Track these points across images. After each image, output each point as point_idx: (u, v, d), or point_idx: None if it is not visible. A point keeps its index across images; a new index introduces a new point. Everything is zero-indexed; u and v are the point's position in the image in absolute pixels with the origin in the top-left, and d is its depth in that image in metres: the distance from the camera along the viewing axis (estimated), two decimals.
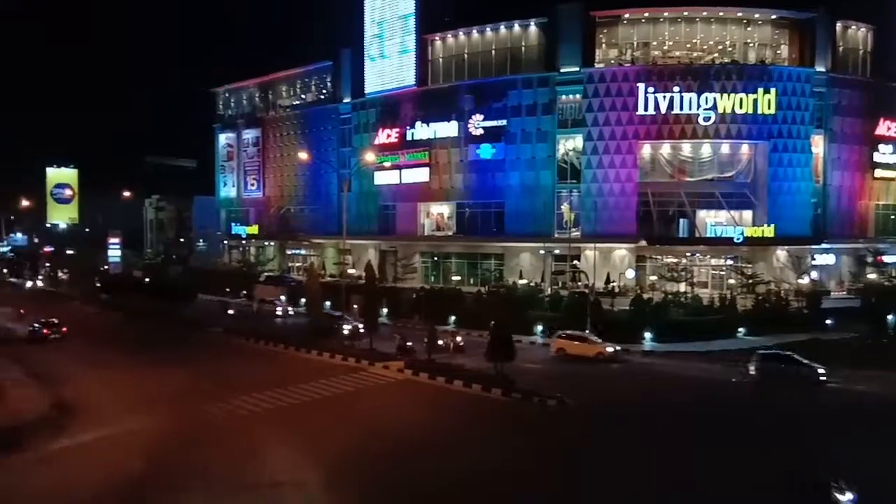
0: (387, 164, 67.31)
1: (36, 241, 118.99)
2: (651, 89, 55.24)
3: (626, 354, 37.27)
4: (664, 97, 55.03)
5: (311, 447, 21.32)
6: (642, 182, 56.59)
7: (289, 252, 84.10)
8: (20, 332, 42.44)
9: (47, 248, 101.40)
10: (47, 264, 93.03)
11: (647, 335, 39.59)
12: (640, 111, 55.48)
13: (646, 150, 57.43)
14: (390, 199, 70.40)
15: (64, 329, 41.67)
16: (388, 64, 69.05)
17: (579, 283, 54.05)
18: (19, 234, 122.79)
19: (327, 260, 76.14)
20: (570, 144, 59.32)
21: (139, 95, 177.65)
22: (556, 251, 58.33)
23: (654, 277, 55.96)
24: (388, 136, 68.63)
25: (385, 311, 47.52)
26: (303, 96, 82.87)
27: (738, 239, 52.65)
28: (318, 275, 46.60)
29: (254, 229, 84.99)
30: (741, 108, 54.92)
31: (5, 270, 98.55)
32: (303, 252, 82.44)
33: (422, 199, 68.05)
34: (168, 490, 17.90)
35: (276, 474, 18.89)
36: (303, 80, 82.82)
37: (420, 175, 66.39)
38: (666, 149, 57.32)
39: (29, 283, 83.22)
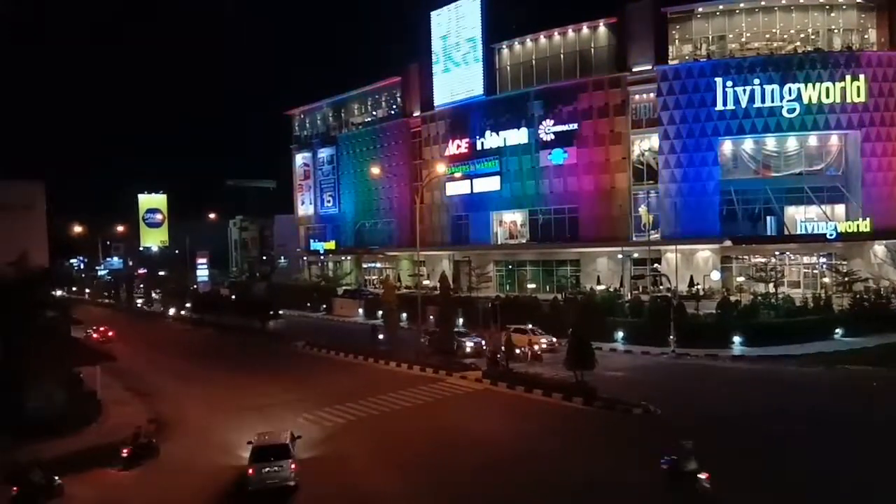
0: (458, 175, 67.57)
1: (130, 263, 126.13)
2: (730, 83, 53.09)
3: (713, 360, 35.70)
4: (744, 90, 52.77)
5: (401, 457, 21.41)
6: (724, 180, 54.35)
7: (364, 266, 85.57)
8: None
9: (141, 270, 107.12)
10: (141, 285, 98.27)
11: (736, 339, 37.80)
12: (719, 106, 53.38)
13: (727, 146, 55.17)
14: (462, 209, 70.60)
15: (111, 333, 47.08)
16: (456, 75, 69.51)
17: (661, 287, 52.34)
18: (115, 258, 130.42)
19: (402, 272, 77.03)
20: (645, 145, 57.81)
21: (219, 121, 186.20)
22: (635, 255, 56.78)
23: (741, 279, 53.50)
24: (458, 146, 68.96)
25: (461, 321, 47.47)
26: (374, 113, 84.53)
27: (831, 235, 49.62)
28: (394, 287, 47.04)
29: (331, 245, 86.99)
30: (828, 97, 51.98)
31: (104, 293, 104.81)
32: (378, 265, 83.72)
33: (494, 207, 67.90)
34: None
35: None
36: (373, 97, 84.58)
37: (491, 184, 66.28)
38: (748, 144, 54.85)
39: (139, 301, 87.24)
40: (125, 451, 21.50)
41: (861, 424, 23.15)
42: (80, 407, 26.99)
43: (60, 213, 74.84)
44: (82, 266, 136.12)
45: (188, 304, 69.82)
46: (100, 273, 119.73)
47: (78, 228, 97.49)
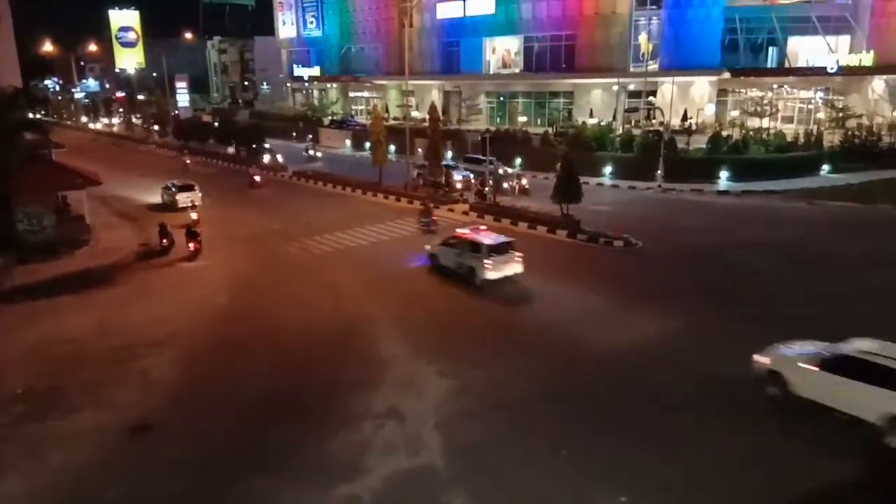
0: None
1: (107, 86, 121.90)
2: None
3: (698, 195, 36.30)
4: None
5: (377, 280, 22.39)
6: (730, 6, 51.65)
7: (351, 94, 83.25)
8: None
9: (119, 94, 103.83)
10: (121, 109, 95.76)
11: (723, 174, 38.15)
12: None
13: None
14: (454, 34, 67.37)
15: None
16: None
17: (654, 121, 51.74)
18: (92, 80, 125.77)
19: (390, 102, 75.19)
20: None
21: None
22: (631, 87, 55.41)
23: (735, 113, 52.80)
24: None
25: (449, 153, 47.23)
26: None
27: (832, 69, 48.27)
28: (383, 118, 46.06)
29: (315, 71, 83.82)
30: None
31: (84, 117, 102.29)
32: (365, 94, 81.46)
33: (487, 33, 64.85)
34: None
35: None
36: None
37: (485, 5, 62.76)
38: None
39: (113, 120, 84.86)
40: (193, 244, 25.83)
41: (827, 256, 24.18)
42: (69, 231, 27.42)
43: (28, 28, 70.67)
44: (57, 88, 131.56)
45: (170, 131, 68.60)
46: (76, 96, 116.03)
47: (49, 46, 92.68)
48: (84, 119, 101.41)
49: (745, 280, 21.87)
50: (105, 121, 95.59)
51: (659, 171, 37.96)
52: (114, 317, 19.40)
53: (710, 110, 53.07)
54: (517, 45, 64.20)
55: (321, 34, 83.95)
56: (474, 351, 16.64)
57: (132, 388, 15.09)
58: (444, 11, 66.62)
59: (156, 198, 36.92)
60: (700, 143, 43.47)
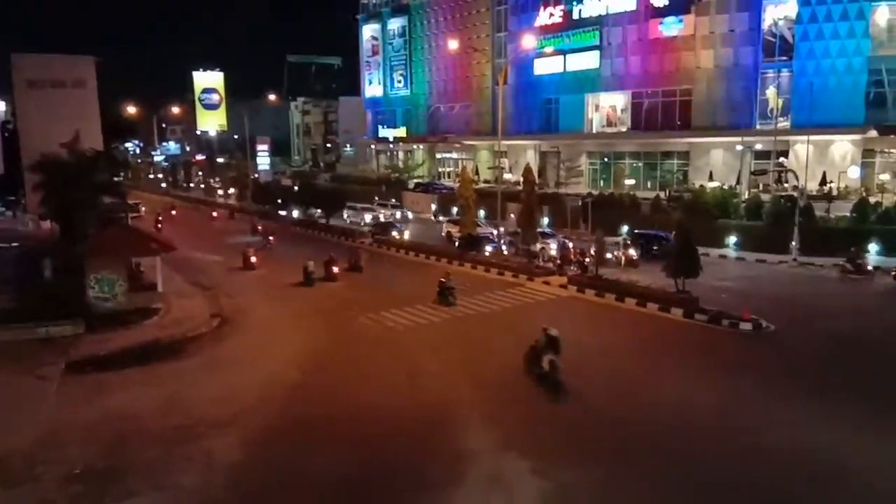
0: (548, 50, 65.37)
1: (188, 149, 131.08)
2: None
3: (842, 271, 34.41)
4: None
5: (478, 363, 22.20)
6: (875, 56, 50.27)
7: (438, 156, 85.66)
8: None
9: (199, 156, 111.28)
10: (200, 172, 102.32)
11: (873, 247, 36.14)
12: None
13: (881, 13, 50.67)
14: (553, 91, 68.71)
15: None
16: None
17: (786, 186, 50.12)
18: (172, 143, 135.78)
19: (481, 164, 76.73)
20: (779, 12, 53.70)
21: None
22: (758, 146, 54.27)
23: (885, 176, 50.44)
24: (551, 14, 66.29)
25: (546, 219, 47.28)
26: None
27: None
28: (472, 180, 46.95)
29: (401, 132, 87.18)
30: None
31: (162, 182, 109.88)
32: (454, 156, 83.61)
33: (590, 89, 65.73)
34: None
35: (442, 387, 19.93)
36: None
37: (588, 61, 63.88)
38: None
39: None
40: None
41: None
42: (140, 299, 28.97)
43: (112, 91, 77.73)
44: (138, 150, 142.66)
45: (249, 195, 72.40)
46: (156, 158, 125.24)
47: (131, 109, 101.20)
48: (163, 184, 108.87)
49: None
50: (183, 184, 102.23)
51: (793, 243, 36.48)
52: (183, 391, 20.09)
53: (854, 173, 50.95)
54: (623, 102, 64.56)
55: (408, 93, 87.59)
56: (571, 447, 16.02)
57: (195, 471, 15.38)
58: (543, 68, 68.16)
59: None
60: (842, 210, 41.67)
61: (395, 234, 46.85)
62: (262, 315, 29.12)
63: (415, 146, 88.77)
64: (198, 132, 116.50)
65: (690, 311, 26.83)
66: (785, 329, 25.00)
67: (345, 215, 55.56)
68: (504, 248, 40.09)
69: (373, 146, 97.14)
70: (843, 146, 52.54)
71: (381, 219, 53.92)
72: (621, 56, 62.32)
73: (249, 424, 17.83)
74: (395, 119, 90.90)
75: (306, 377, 21.41)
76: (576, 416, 17.97)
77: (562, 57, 66.11)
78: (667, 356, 22.59)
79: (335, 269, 35.04)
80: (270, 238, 45.92)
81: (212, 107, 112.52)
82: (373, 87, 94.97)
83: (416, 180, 76.84)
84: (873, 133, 50.44)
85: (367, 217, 55.09)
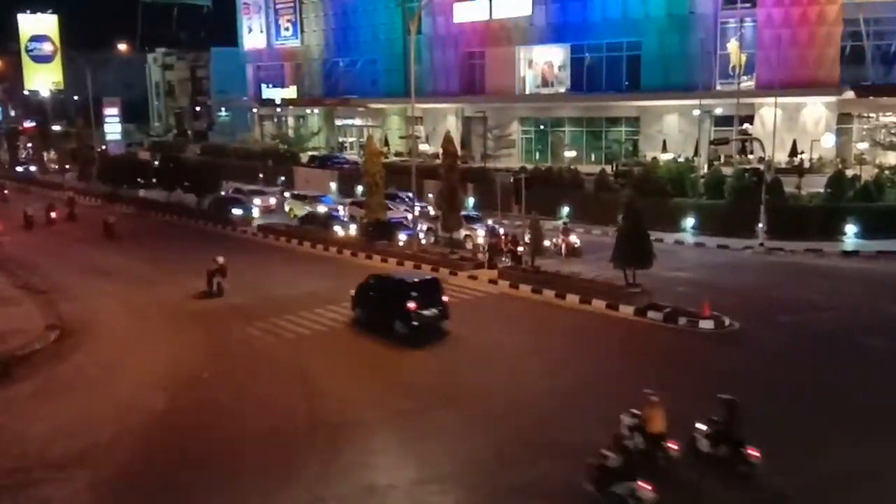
0: None
1: (13, 114, 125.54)
2: None
3: (816, 257, 36.15)
4: None
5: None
6: (851, 3, 52.73)
7: (339, 123, 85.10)
8: None
9: (28, 124, 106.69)
10: (29, 144, 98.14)
11: (849, 228, 38.06)
12: None
13: None
14: (477, 43, 69.18)
15: None
16: None
17: (751, 157, 52.13)
18: None
19: (391, 133, 76.69)
20: None
21: None
22: (718, 111, 56.24)
23: (863, 145, 53.14)
24: None
25: (471, 200, 47.70)
26: None
27: None
28: (380, 153, 46.81)
29: (291, 92, 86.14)
30: None
31: None
32: (358, 122, 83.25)
33: (521, 41, 66.46)
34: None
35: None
36: None
37: (519, 6, 64.54)
38: None
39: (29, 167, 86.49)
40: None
41: None
42: None
43: None
44: None
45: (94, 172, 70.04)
46: None
47: None
48: None
49: None
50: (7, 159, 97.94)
51: (760, 225, 37.97)
52: (11, 425, 19.43)
53: (828, 142, 53.41)
54: (562, 57, 65.68)
55: (299, 44, 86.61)
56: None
57: None
58: (464, 14, 68.50)
59: None
60: (816, 186, 43.61)
61: (337, 228, 43.62)
62: (114, 323, 28.37)
63: (308, 110, 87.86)
64: (25, 92, 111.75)
65: (642, 307, 27.71)
66: (751, 328, 26.06)
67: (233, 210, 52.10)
68: (421, 235, 40.22)
69: (255, 110, 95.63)
70: (815, 110, 54.97)
71: (307, 208, 49.98)
72: (558, 1, 63.33)
73: (101, 465, 17.42)
74: (282, 77, 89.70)
75: (173, 401, 21.06)
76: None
77: (487, 2, 66.67)
78: (612, 366, 23.15)
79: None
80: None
81: (43, 59, 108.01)
82: (253, 36, 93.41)
83: (310, 153, 76.03)
84: (850, 94, 52.91)
85: (257, 202, 53.32)
